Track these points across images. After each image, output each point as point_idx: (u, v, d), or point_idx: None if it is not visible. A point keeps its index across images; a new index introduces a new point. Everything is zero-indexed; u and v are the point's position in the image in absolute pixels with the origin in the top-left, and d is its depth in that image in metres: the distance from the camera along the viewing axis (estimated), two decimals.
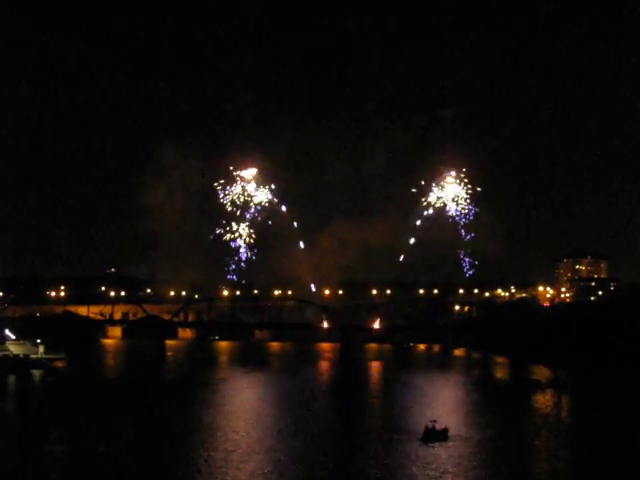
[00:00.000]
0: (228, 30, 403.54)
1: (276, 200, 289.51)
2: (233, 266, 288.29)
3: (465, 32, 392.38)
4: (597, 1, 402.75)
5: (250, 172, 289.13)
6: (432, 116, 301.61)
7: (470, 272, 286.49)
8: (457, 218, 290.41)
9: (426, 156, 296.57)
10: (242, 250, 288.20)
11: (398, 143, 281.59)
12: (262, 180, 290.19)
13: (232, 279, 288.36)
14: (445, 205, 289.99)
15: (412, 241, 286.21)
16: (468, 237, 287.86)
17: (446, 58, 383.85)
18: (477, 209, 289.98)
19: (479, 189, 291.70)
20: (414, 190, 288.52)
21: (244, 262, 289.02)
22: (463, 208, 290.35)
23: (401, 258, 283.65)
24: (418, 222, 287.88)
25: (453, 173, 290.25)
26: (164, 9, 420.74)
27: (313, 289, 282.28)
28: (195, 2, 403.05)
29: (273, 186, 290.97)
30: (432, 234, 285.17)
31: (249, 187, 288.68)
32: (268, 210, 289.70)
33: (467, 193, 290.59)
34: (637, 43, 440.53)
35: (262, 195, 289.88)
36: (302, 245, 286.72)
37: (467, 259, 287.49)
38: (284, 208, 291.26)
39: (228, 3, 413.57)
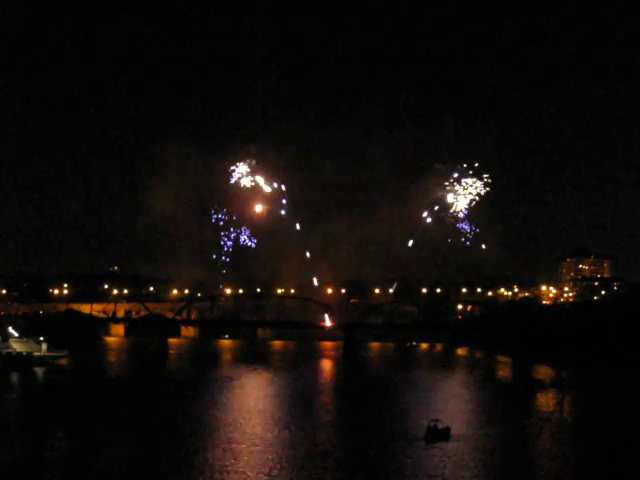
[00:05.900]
0: (233, 32, 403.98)
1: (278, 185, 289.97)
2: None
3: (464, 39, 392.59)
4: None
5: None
6: (433, 122, 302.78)
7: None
8: (460, 218, 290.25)
9: (428, 157, 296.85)
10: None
11: (400, 150, 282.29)
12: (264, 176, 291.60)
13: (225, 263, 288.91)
14: (447, 205, 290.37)
15: (410, 243, 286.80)
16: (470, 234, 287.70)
17: (447, 64, 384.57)
18: (479, 209, 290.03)
19: (482, 189, 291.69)
20: (415, 190, 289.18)
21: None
22: (465, 208, 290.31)
23: (410, 243, 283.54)
24: (424, 216, 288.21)
25: (455, 174, 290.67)
26: (167, 10, 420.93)
27: (316, 286, 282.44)
28: (200, 3, 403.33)
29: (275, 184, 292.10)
30: (433, 234, 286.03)
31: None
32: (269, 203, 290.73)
33: (469, 192, 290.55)
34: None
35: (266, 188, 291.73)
36: (304, 245, 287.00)
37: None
38: (283, 212, 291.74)
39: (233, 6, 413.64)
